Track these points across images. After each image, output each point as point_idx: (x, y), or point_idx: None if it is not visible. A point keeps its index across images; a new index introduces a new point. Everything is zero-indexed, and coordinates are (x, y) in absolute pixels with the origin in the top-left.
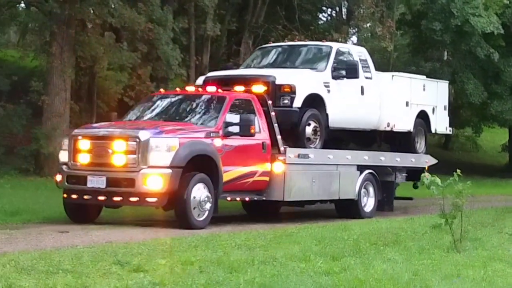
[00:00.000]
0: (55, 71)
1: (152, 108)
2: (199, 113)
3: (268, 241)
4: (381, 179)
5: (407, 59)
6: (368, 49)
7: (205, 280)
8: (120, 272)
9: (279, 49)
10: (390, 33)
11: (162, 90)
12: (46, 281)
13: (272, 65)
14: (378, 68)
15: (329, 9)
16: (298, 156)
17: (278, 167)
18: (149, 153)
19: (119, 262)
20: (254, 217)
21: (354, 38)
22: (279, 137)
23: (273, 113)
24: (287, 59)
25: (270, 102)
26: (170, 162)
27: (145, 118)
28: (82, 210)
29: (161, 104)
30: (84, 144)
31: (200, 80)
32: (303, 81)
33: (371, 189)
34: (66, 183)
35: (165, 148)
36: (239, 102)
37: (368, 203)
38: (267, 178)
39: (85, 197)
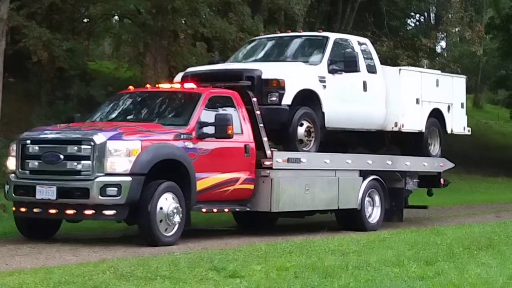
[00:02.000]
0: (149, 81)
1: (118, 107)
2: (170, 112)
3: (362, 246)
4: (388, 186)
5: (496, 63)
6: (457, 54)
7: (300, 285)
8: (217, 278)
9: (271, 41)
10: (479, 37)
11: (131, 87)
12: (145, 287)
13: (261, 59)
14: (467, 73)
15: (417, 15)
16: (288, 160)
17: (264, 174)
18: (106, 159)
19: (215, 268)
20: (252, 229)
21: (443, 43)
22: (265, 139)
23: (258, 112)
24: (278, 52)
25: (254, 99)
26: (131, 169)
27: (109, 118)
28: (36, 224)
29: (129, 103)
30: (33, 149)
31: (178, 77)
32: (293, 76)
33: (376, 198)
34: (13, 195)
35: (124, 152)
36: (217, 99)
37: (374, 213)
38: (251, 186)
39: (35, 210)
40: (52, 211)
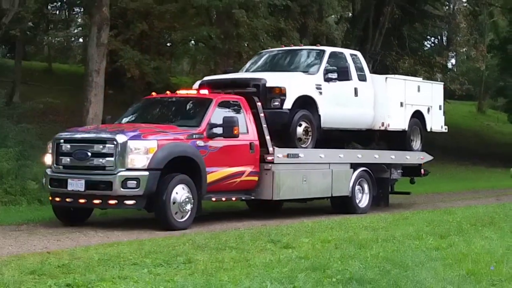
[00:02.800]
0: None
1: (142, 111)
2: (185, 115)
3: (388, 223)
4: (376, 176)
5: (496, 76)
6: (465, 69)
7: (339, 254)
8: (273, 248)
9: (276, 53)
10: (482, 56)
11: (154, 93)
12: (217, 255)
13: (267, 69)
14: (472, 84)
15: (433, 38)
16: (288, 156)
17: (266, 167)
18: (127, 156)
19: (272, 241)
20: (259, 212)
21: (453, 60)
22: (268, 137)
23: (262, 114)
24: (282, 63)
25: (259, 104)
26: (148, 164)
27: (133, 120)
28: (70, 212)
29: (151, 107)
30: (65, 147)
31: (196, 84)
32: (293, 84)
33: (365, 186)
34: (49, 186)
35: (143, 150)
36: (227, 104)
37: (363, 199)
38: (255, 178)
39: (67, 199)
40: (82, 200)
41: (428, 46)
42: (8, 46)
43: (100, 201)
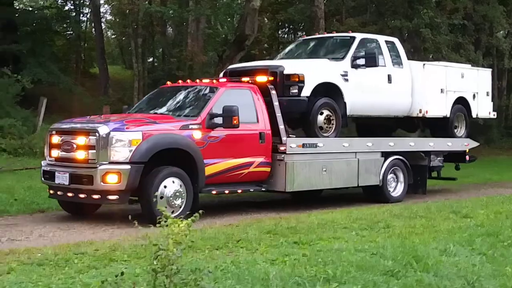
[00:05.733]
0: None
1: (153, 100)
2: (189, 105)
3: None
4: (412, 163)
5: None
6: None
7: (510, 223)
8: (455, 218)
9: (309, 42)
10: None
11: (169, 82)
12: (409, 222)
13: (295, 56)
14: None
15: None
16: (303, 145)
17: (279, 158)
18: (109, 148)
19: (454, 211)
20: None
21: None
22: (281, 127)
23: (276, 103)
24: (312, 50)
25: (274, 92)
26: (130, 157)
27: (139, 110)
28: (73, 204)
29: (162, 96)
30: (55, 139)
31: (222, 73)
32: (312, 71)
33: (400, 174)
34: (42, 179)
35: (125, 142)
36: (234, 93)
37: (398, 188)
38: (267, 169)
39: (58, 193)
40: (69, 194)
41: None
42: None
43: (85, 195)
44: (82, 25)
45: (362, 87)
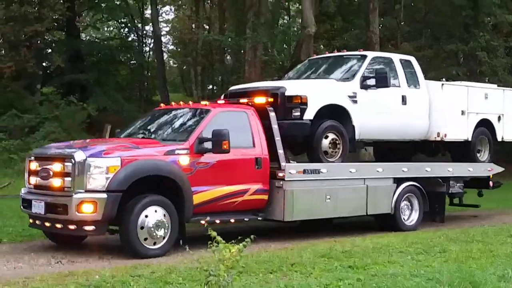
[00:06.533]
0: None
1: (145, 123)
2: (178, 128)
3: None
4: (429, 190)
5: None
6: None
7: None
8: None
9: (319, 60)
10: None
11: (162, 104)
12: (466, 247)
13: (303, 77)
14: None
15: None
16: (304, 171)
17: (278, 184)
18: (85, 176)
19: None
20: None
21: None
22: (280, 151)
23: (275, 126)
24: (320, 70)
25: (272, 114)
26: (107, 186)
27: (127, 134)
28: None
29: (154, 119)
30: (33, 165)
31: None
32: (316, 92)
33: (415, 201)
34: (21, 207)
35: (102, 169)
36: (228, 116)
37: (412, 216)
38: (264, 197)
39: (37, 222)
40: (47, 224)
41: None
42: None
43: (62, 225)
44: (145, 55)
45: (372, 109)
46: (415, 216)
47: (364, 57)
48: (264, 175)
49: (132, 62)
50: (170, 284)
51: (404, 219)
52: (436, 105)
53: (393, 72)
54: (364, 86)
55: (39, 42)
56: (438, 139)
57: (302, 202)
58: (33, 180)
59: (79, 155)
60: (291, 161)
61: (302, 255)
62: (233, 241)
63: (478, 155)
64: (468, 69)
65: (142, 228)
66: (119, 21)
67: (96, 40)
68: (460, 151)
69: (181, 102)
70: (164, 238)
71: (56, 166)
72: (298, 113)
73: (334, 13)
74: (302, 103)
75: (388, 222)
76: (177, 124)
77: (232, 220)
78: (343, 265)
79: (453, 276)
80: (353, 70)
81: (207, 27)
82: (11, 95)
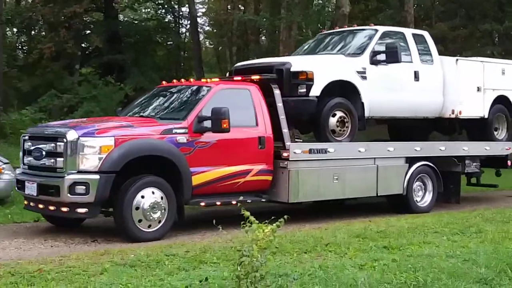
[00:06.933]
0: None
1: (146, 101)
2: (177, 106)
3: None
4: (444, 169)
5: None
6: None
7: None
8: None
9: (329, 36)
10: None
11: (164, 82)
12: (503, 227)
13: (309, 52)
14: None
15: None
16: (310, 151)
17: (282, 165)
18: (77, 156)
19: None
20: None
21: None
22: (285, 130)
23: (280, 104)
24: (328, 46)
25: (277, 91)
26: (100, 166)
27: (127, 113)
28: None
29: (156, 97)
30: (27, 145)
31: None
32: (323, 68)
33: (429, 182)
34: (16, 188)
35: (95, 149)
36: (229, 93)
37: (425, 197)
38: (269, 177)
39: (31, 204)
40: (40, 206)
41: None
42: None
43: (55, 207)
44: (182, 35)
45: (383, 86)
46: (428, 197)
47: (375, 31)
48: (268, 155)
49: (168, 42)
50: (205, 263)
51: (417, 200)
52: (450, 81)
53: (405, 47)
54: (374, 62)
55: (77, 23)
56: (453, 116)
57: (307, 183)
58: (27, 160)
59: (71, 134)
60: (297, 140)
61: (337, 235)
62: (266, 221)
63: (495, 133)
64: (503, 48)
65: (137, 209)
66: (156, 2)
67: (134, 21)
68: (476, 129)
69: (182, 80)
70: (160, 221)
71: (49, 146)
72: (304, 90)
73: None
74: (308, 79)
75: (400, 203)
76: (176, 102)
77: (234, 202)
78: (378, 245)
79: (489, 257)
80: (363, 45)
81: (242, 8)
82: (51, 75)
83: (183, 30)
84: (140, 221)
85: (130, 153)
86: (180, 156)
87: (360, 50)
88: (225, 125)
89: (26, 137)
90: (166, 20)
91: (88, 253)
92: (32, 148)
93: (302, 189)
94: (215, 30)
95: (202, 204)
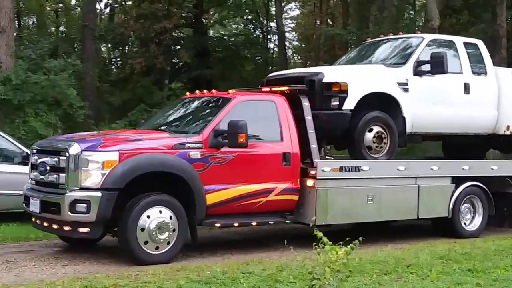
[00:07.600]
0: None
1: (166, 113)
2: (195, 119)
3: None
4: (496, 190)
5: None
6: None
7: None
8: None
9: (372, 45)
10: None
11: (188, 93)
12: None
13: (349, 62)
14: None
15: None
16: (340, 169)
17: (309, 184)
18: (79, 171)
19: None
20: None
21: None
22: (313, 146)
23: (309, 117)
24: (370, 55)
25: (306, 104)
26: (102, 183)
27: (145, 126)
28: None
29: (178, 108)
30: (34, 159)
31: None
32: (359, 79)
33: (478, 204)
34: (23, 204)
35: (98, 164)
36: (251, 105)
37: (474, 220)
38: (294, 197)
39: (37, 221)
40: (45, 224)
41: None
42: None
43: (58, 226)
44: (270, 50)
45: (427, 99)
46: (478, 220)
47: (422, 39)
48: (294, 172)
49: (257, 58)
50: (281, 283)
51: (464, 223)
52: (506, 94)
53: (454, 57)
54: (417, 73)
55: (167, 39)
56: (508, 133)
57: (337, 204)
58: (33, 174)
59: (74, 148)
60: (328, 157)
61: (419, 256)
62: (340, 242)
63: None
64: None
65: (142, 230)
66: (245, 17)
67: (223, 37)
68: None
69: (205, 91)
70: (168, 242)
71: (52, 160)
72: (337, 103)
73: (460, 6)
74: (341, 91)
75: (445, 227)
76: (195, 114)
77: (254, 223)
78: (462, 268)
79: None
80: (407, 54)
81: (331, 22)
82: (141, 90)
83: (271, 45)
84: (146, 242)
85: (136, 169)
86: (192, 173)
87: (403, 60)
88: (242, 140)
89: (34, 150)
90: (255, 35)
91: (165, 269)
92: (38, 162)
93: (330, 210)
94: (303, 45)
95: (217, 225)
